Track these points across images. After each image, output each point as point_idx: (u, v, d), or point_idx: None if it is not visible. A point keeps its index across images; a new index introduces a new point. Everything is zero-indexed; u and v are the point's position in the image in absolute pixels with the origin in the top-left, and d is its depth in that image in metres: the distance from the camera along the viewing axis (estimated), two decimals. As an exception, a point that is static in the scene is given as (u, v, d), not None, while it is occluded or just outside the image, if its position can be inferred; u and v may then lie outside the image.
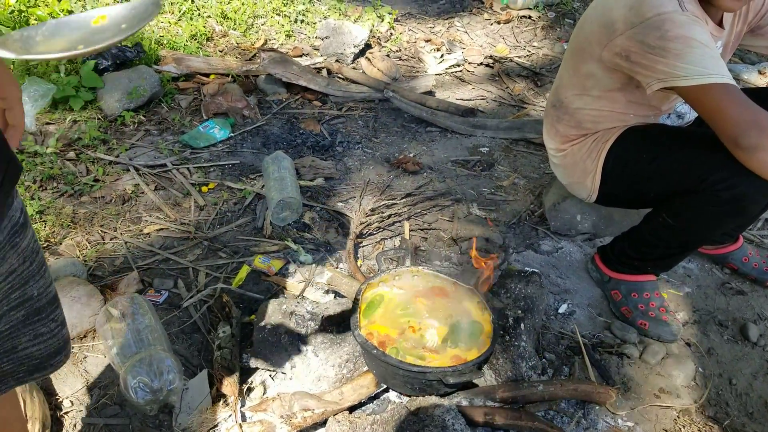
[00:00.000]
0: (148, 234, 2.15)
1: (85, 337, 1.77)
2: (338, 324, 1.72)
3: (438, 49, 3.59)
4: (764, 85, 3.51)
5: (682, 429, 1.66)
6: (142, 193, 2.34)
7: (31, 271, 0.96)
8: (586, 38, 1.78)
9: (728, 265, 2.22)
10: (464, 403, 1.54)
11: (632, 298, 1.97)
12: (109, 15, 0.67)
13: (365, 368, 1.61)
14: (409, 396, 1.55)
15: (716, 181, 1.61)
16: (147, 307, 1.72)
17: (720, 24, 1.75)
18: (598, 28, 1.71)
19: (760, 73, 3.68)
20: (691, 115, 2.28)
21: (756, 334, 2.00)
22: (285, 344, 1.65)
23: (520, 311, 1.73)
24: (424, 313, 1.62)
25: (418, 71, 3.41)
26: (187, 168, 2.49)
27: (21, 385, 1.07)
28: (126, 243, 2.09)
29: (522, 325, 1.70)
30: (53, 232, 2.11)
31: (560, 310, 2.00)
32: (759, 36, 1.90)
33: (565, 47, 3.72)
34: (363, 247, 2.18)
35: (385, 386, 1.59)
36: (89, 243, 2.09)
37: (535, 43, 3.81)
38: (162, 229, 2.18)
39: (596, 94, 1.84)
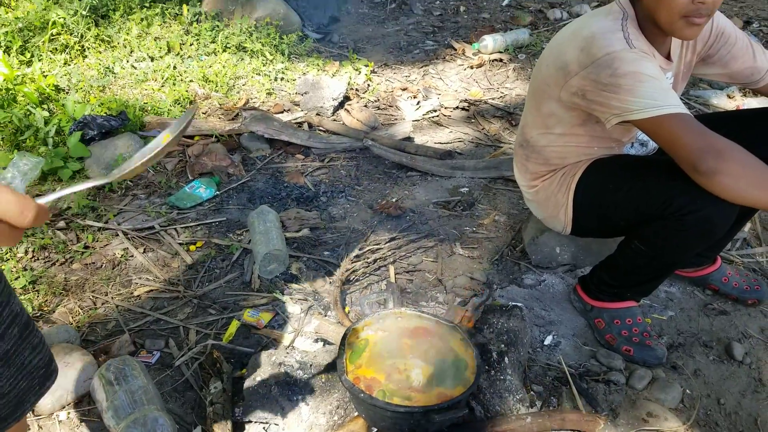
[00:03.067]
0: (138, 296, 2.20)
1: (80, 402, 1.80)
2: (327, 371, 1.75)
3: (414, 97, 3.70)
4: (731, 109, 3.61)
5: (670, 451, 1.69)
6: (132, 256, 2.40)
7: (10, 288, 1.05)
8: (544, 80, 1.87)
9: (709, 286, 2.26)
10: (454, 440, 1.57)
11: (615, 325, 2.01)
12: (171, 133, 0.89)
13: (356, 413, 1.64)
14: (400, 437, 1.58)
15: (680, 207, 1.67)
16: (139, 369, 1.75)
17: (668, 57, 1.84)
18: (554, 70, 1.80)
19: (728, 97, 3.80)
20: (653, 142, 2.36)
21: (741, 352, 2.03)
22: (276, 396, 1.68)
23: (503, 345, 1.77)
24: (409, 354, 1.66)
25: (396, 119, 3.52)
26: (175, 229, 2.55)
27: (38, 399, 1.14)
28: (117, 306, 2.14)
29: (506, 358, 1.74)
30: (46, 300, 2.15)
31: (546, 342, 2.04)
32: (710, 64, 1.98)
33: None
34: (350, 293, 2.23)
35: (375, 429, 1.62)
36: (81, 309, 2.13)
37: (508, 85, 3.93)
38: (152, 290, 2.23)
39: (559, 131, 1.92)
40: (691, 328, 2.13)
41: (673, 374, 1.95)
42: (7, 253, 2.33)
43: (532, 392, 1.82)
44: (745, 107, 3.53)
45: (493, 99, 3.72)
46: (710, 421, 1.81)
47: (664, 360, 1.96)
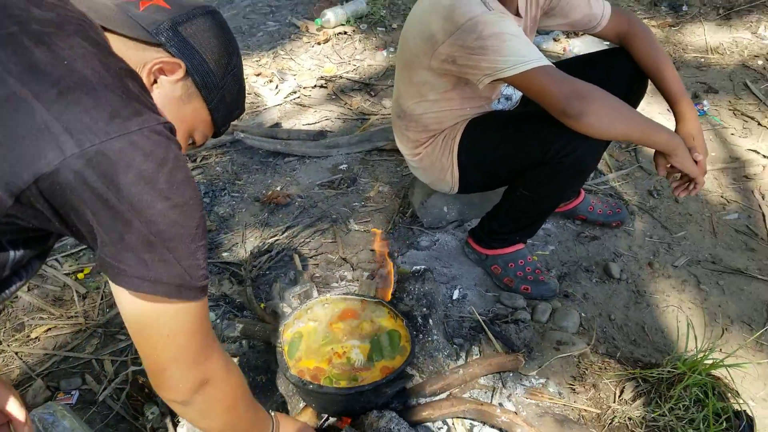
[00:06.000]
0: (37, 338, 2.05)
1: (4, 463, 1.67)
2: (265, 371, 1.76)
3: (271, 81, 3.67)
4: (562, 52, 3.95)
5: (586, 371, 1.90)
6: (16, 297, 2.22)
7: None
8: (412, 52, 1.95)
9: (578, 217, 2.51)
10: (401, 407, 1.66)
11: (510, 268, 2.19)
12: None
13: (302, 404, 1.68)
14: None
15: (557, 151, 1.85)
16: (65, 412, 1.66)
17: (517, 13, 2.00)
18: (421, 42, 1.89)
19: (555, 40, 4.14)
20: (516, 95, 2.56)
21: (617, 270, 2.29)
22: (218, 405, 1.67)
23: (425, 308, 1.88)
24: (344, 337, 1.72)
25: (258, 106, 3.48)
26: (56, 259, 2.39)
27: None
28: (17, 353, 1.99)
29: (430, 320, 1.85)
30: (-72, 365, 1.96)
31: (454, 297, 2.18)
32: (552, 16, 2.16)
33: (385, 55, 3.95)
34: (261, 288, 2.23)
35: (325, 416, 1.67)
36: (-26, 366, 1.96)
37: (358, 56, 4.00)
38: (50, 328, 2.09)
39: (433, 98, 2.03)
40: (571, 258, 2.37)
41: (568, 302, 2.17)
42: None
43: (454, 345, 1.95)
44: (571, 48, 3.89)
45: (347, 72, 3.78)
46: (608, 337, 2.04)
47: (557, 291, 2.18)
